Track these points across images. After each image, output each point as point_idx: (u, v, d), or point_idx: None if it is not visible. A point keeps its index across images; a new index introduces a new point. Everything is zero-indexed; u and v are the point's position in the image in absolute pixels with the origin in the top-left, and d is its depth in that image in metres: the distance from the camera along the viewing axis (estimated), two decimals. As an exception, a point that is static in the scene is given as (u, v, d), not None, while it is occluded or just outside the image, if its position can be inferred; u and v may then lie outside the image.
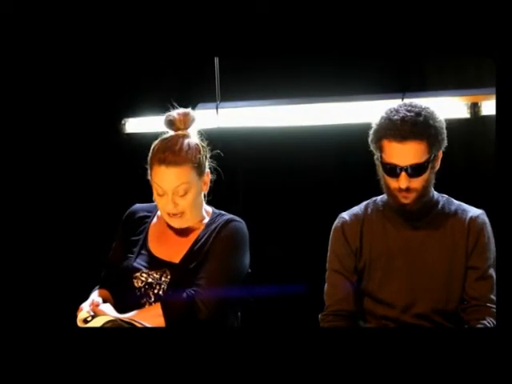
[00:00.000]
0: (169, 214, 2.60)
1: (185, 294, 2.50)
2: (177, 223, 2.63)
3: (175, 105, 2.65)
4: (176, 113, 2.64)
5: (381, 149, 2.50)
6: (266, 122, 3.36)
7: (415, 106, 2.49)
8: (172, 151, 2.57)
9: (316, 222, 3.05)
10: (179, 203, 2.57)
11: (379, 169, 2.54)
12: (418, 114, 2.46)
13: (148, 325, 2.44)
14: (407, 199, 2.50)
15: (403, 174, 2.46)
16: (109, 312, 2.50)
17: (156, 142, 2.63)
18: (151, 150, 2.62)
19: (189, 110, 2.66)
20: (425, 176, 2.48)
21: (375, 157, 2.54)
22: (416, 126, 2.44)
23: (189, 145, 2.60)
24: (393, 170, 2.48)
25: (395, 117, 2.46)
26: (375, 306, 2.59)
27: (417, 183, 2.48)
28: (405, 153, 2.45)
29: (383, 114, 2.50)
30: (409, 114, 2.46)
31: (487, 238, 2.55)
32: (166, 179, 2.56)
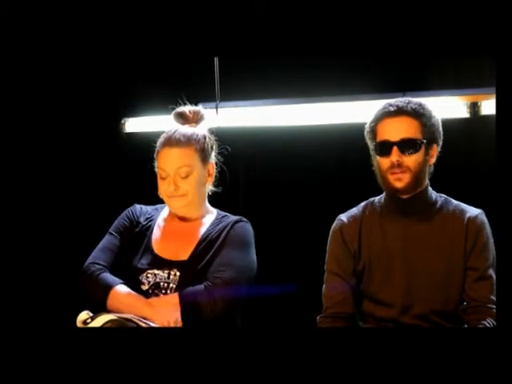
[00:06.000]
0: (170, 197, 2.61)
1: (203, 286, 2.49)
2: (178, 205, 2.62)
3: (186, 102, 2.70)
4: (187, 108, 2.71)
5: (375, 133, 2.54)
6: (265, 122, 3.36)
7: (410, 99, 2.58)
8: (177, 134, 2.62)
9: (315, 222, 3.05)
10: (180, 185, 2.59)
11: (374, 158, 2.57)
12: (412, 101, 2.55)
13: (156, 317, 2.45)
14: (400, 181, 2.51)
15: (395, 148, 2.49)
16: None
17: (163, 134, 2.67)
18: (158, 141, 2.65)
19: (199, 107, 2.73)
20: (417, 157, 2.50)
21: (371, 148, 2.57)
22: (409, 105, 2.52)
23: (194, 131, 2.65)
24: (385, 147, 2.51)
25: (390, 103, 2.56)
26: (374, 307, 2.58)
27: (409, 162, 2.50)
28: (397, 127, 2.51)
29: (379, 107, 2.58)
30: (403, 100, 2.56)
31: (486, 238, 2.54)
32: (168, 160, 2.59)
